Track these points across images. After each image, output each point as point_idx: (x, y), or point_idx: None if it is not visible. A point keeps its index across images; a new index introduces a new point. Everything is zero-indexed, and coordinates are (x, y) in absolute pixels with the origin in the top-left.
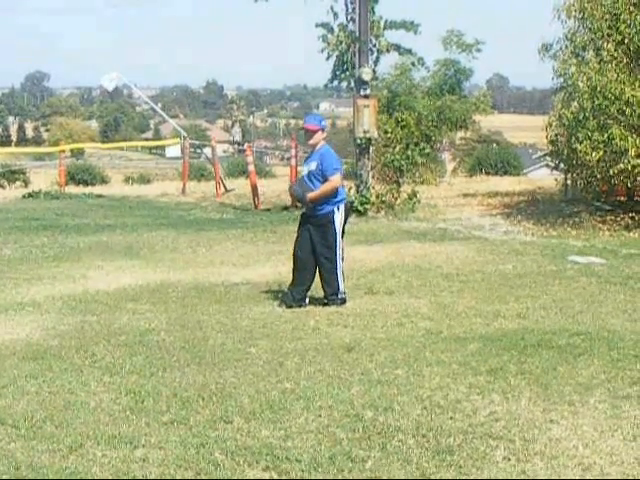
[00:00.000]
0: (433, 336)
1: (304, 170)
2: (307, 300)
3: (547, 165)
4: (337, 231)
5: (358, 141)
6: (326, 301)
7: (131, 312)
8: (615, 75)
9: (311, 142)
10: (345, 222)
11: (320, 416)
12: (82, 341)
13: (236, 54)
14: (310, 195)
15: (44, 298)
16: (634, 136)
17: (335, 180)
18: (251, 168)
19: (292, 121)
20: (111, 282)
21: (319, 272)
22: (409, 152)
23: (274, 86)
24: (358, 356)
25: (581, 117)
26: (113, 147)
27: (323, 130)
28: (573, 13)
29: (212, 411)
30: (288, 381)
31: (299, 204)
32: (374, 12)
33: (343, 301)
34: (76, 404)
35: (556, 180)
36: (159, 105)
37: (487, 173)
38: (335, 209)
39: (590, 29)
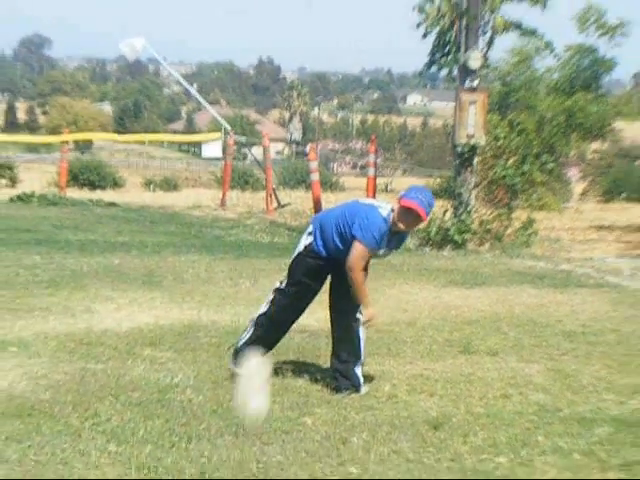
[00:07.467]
0: (549, 414)
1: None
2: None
3: None
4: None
5: (459, 149)
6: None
7: (148, 361)
8: None
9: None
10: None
11: None
12: (82, 396)
13: (299, 26)
14: None
15: (34, 336)
16: None
17: None
18: (314, 177)
19: (370, 117)
20: (123, 320)
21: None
22: (526, 166)
23: (348, 70)
24: (447, 435)
25: None
26: (131, 140)
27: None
28: None
29: None
30: (353, 464)
31: None
32: None
33: None
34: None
35: None
36: (195, 87)
37: (628, 199)
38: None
39: None
